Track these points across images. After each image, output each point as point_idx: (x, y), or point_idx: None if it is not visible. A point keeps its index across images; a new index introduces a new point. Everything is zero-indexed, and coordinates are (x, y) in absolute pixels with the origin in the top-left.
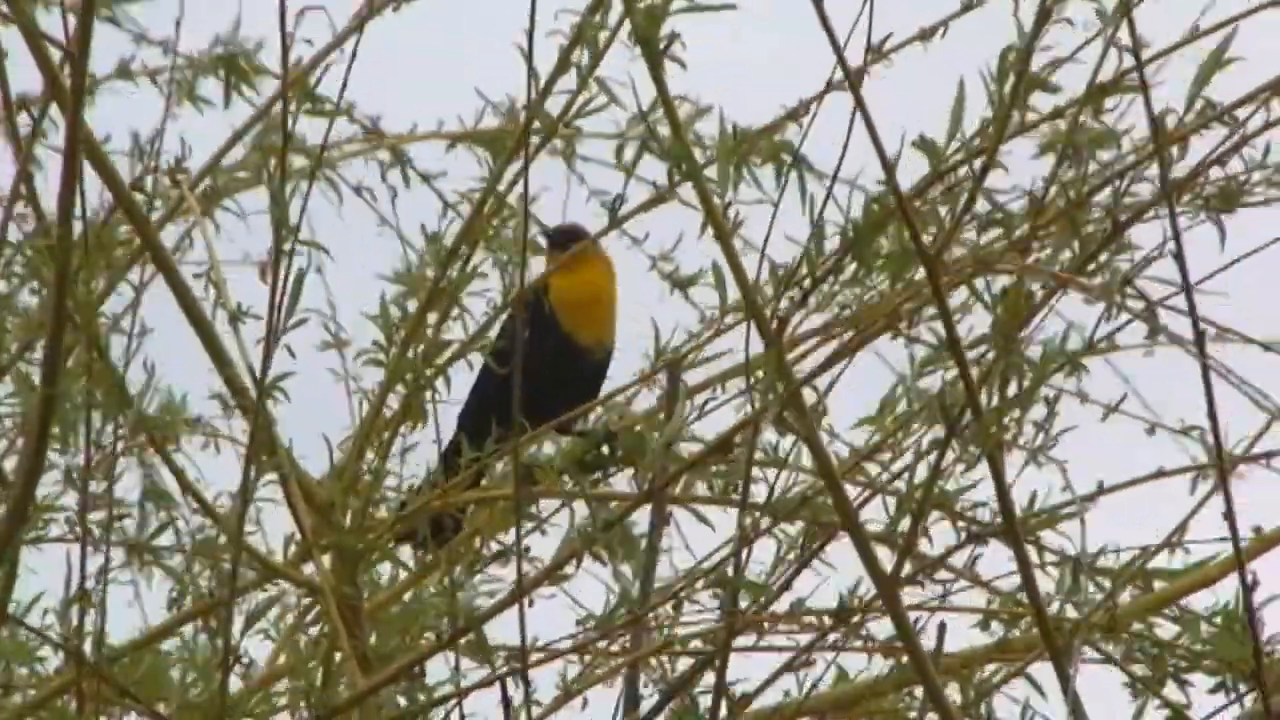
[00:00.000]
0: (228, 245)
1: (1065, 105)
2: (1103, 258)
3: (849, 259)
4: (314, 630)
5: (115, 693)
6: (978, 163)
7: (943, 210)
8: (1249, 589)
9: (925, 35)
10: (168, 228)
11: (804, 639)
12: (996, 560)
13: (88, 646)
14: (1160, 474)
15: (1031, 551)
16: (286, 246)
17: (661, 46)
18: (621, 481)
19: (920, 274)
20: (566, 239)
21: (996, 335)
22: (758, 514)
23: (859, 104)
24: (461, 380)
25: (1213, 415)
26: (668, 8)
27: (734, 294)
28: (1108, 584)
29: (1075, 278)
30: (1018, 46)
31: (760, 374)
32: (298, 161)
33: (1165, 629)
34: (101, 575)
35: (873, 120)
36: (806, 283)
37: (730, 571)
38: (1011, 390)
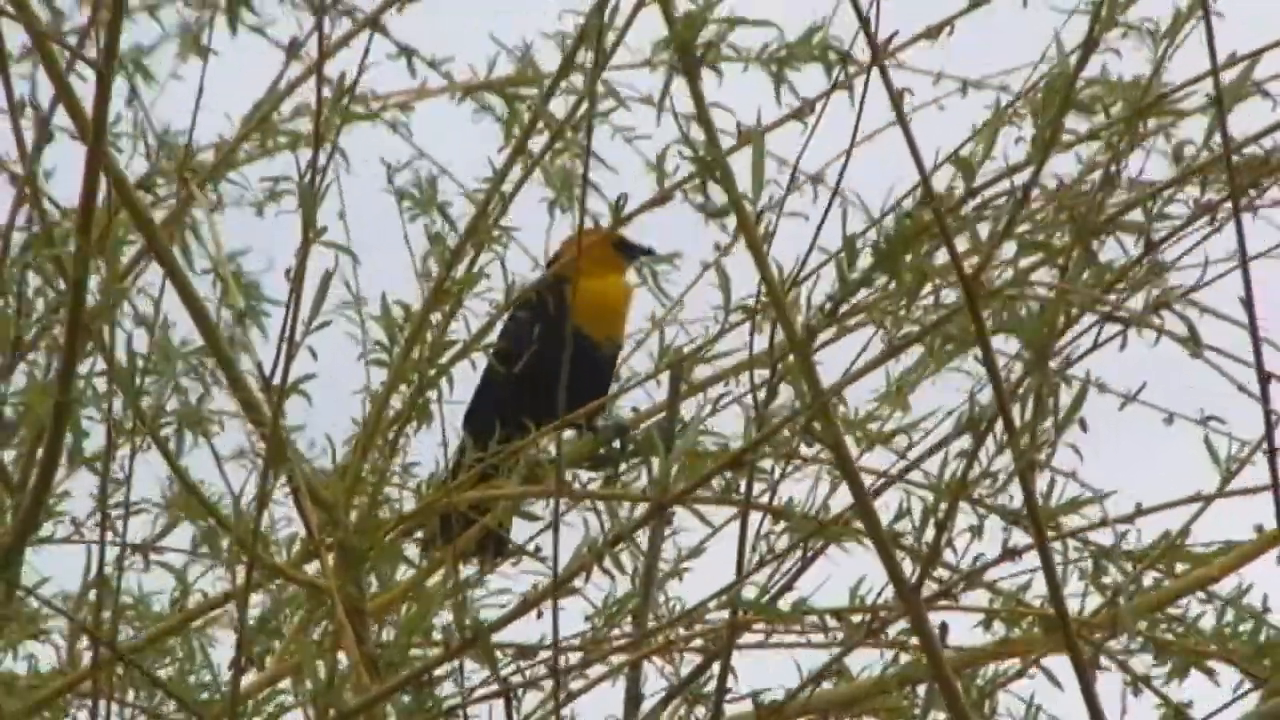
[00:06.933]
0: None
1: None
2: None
3: (880, 272)
4: (317, 630)
5: (145, 683)
6: (1013, 180)
7: (980, 229)
8: None
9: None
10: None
11: (809, 636)
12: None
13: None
14: (1202, 498)
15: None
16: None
17: (699, 54)
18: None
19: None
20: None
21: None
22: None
23: (904, 127)
24: (463, 380)
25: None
26: (706, 15)
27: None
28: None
29: (1112, 301)
30: (1063, 73)
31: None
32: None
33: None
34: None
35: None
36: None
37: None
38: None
